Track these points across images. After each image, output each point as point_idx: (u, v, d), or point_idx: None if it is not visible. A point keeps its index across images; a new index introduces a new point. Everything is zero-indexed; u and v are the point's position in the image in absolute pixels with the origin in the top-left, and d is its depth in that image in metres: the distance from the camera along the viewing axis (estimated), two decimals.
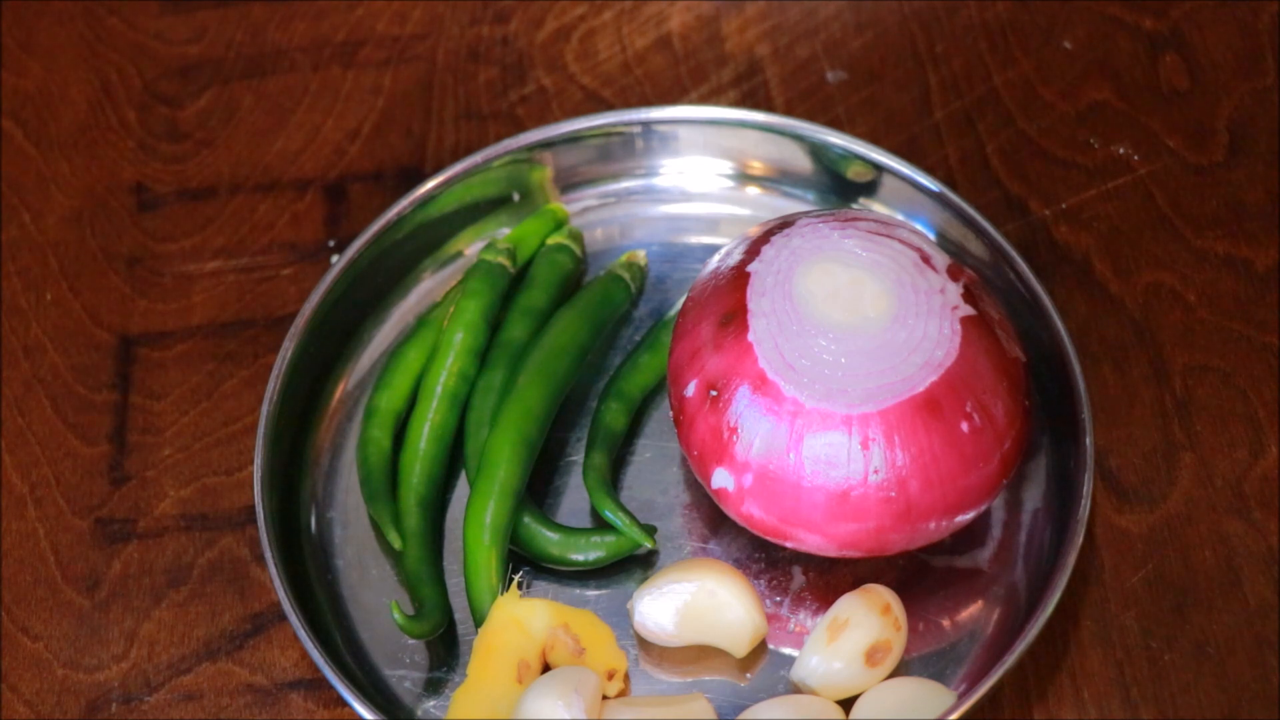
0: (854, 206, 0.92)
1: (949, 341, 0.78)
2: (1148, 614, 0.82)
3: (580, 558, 0.83)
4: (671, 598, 0.80)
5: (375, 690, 0.81)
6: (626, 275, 0.90)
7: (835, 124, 0.96)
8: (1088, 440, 0.82)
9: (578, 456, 0.87)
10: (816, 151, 0.92)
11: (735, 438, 0.78)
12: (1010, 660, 0.77)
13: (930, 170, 0.92)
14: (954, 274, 0.80)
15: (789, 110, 0.97)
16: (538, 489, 0.86)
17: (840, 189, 0.92)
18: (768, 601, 0.83)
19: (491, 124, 0.98)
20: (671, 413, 0.82)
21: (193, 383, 0.91)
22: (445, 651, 0.82)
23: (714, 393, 0.78)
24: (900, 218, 0.89)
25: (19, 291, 0.94)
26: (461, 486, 0.86)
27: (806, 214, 0.83)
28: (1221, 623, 0.82)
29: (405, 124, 0.98)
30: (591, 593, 0.83)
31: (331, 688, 0.79)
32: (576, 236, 0.92)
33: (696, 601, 0.80)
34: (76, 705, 0.83)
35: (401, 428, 0.87)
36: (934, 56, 0.99)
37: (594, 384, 0.89)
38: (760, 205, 0.93)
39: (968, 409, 0.77)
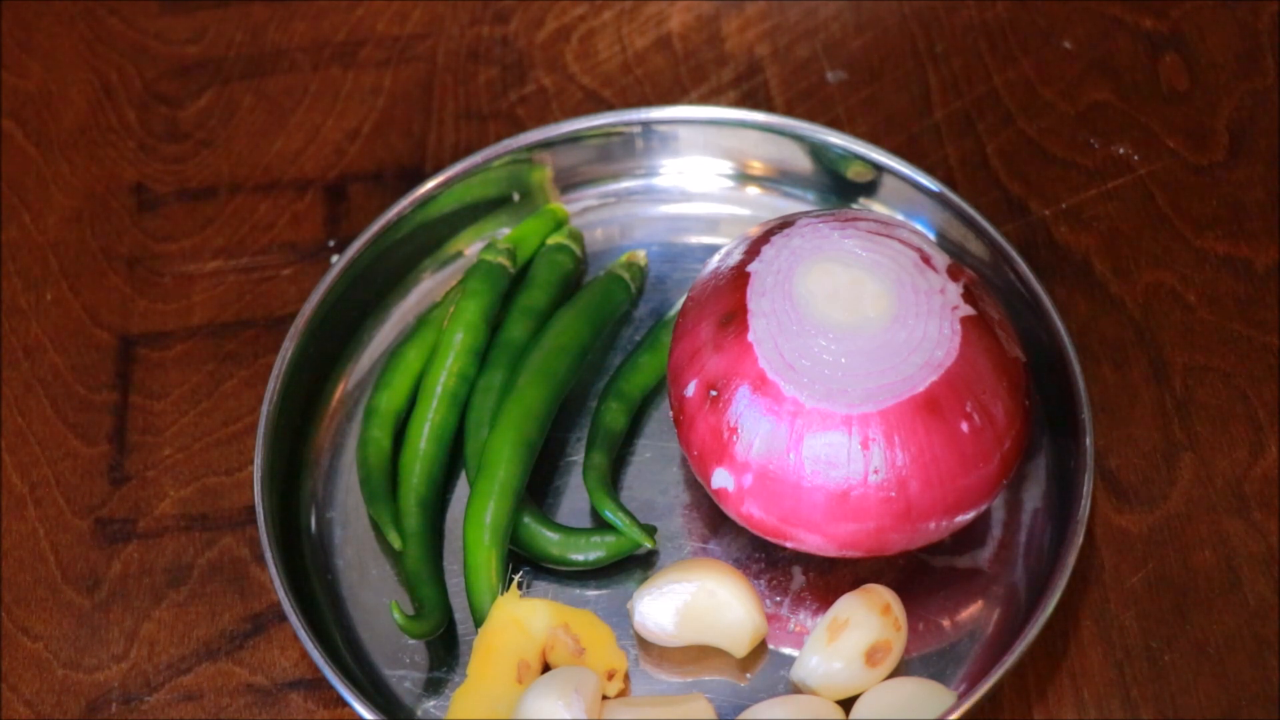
0: (854, 206, 0.92)
1: (949, 341, 0.78)
2: (1148, 614, 0.82)
3: (580, 558, 0.83)
4: (671, 598, 0.80)
5: (375, 690, 0.81)
6: (626, 275, 0.90)
7: (835, 124, 0.96)
8: (1088, 440, 0.82)
9: (578, 456, 0.87)
10: (816, 151, 0.92)
11: (735, 438, 0.78)
12: (1010, 660, 0.77)
13: (930, 170, 0.92)
14: (954, 274, 0.80)
15: (789, 110, 0.97)
16: (538, 489, 0.86)
17: (840, 189, 0.92)
18: (768, 601, 0.83)
19: (491, 124, 0.98)
20: (671, 413, 0.82)
21: (193, 383, 0.91)
22: (445, 651, 0.82)
23: (714, 393, 0.78)
24: (900, 218, 0.89)
25: (19, 291, 0.94)
26: (461, 486, 0.86)
27: (806, 214, 0.83)
28: (1221, 623, 0.82)
29: (405, 124, 0.98)
30: (591, 593, 0.83)
31: (331, 688, 0.79)
32: (576, 236, 0.92)
33: (696, 601, 0.80)
34: (76, 705, 0.83)
35: (401, 428, 0.87)
36: (934, 56, 0.99)
37: (594, 384, 0.89)
38: (760, 205, 0.93)
39: (968, 409, 0.77)
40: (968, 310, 0.79)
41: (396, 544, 0.83)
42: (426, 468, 0.85)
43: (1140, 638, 0.82)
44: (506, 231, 0.93)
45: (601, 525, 0.84)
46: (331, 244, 0.95)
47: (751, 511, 0.79)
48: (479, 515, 0.81)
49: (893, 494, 0.77)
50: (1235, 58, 0.98)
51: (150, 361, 0.92)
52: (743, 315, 0.79)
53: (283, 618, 0.84)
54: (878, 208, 0.91)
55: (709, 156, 0.93)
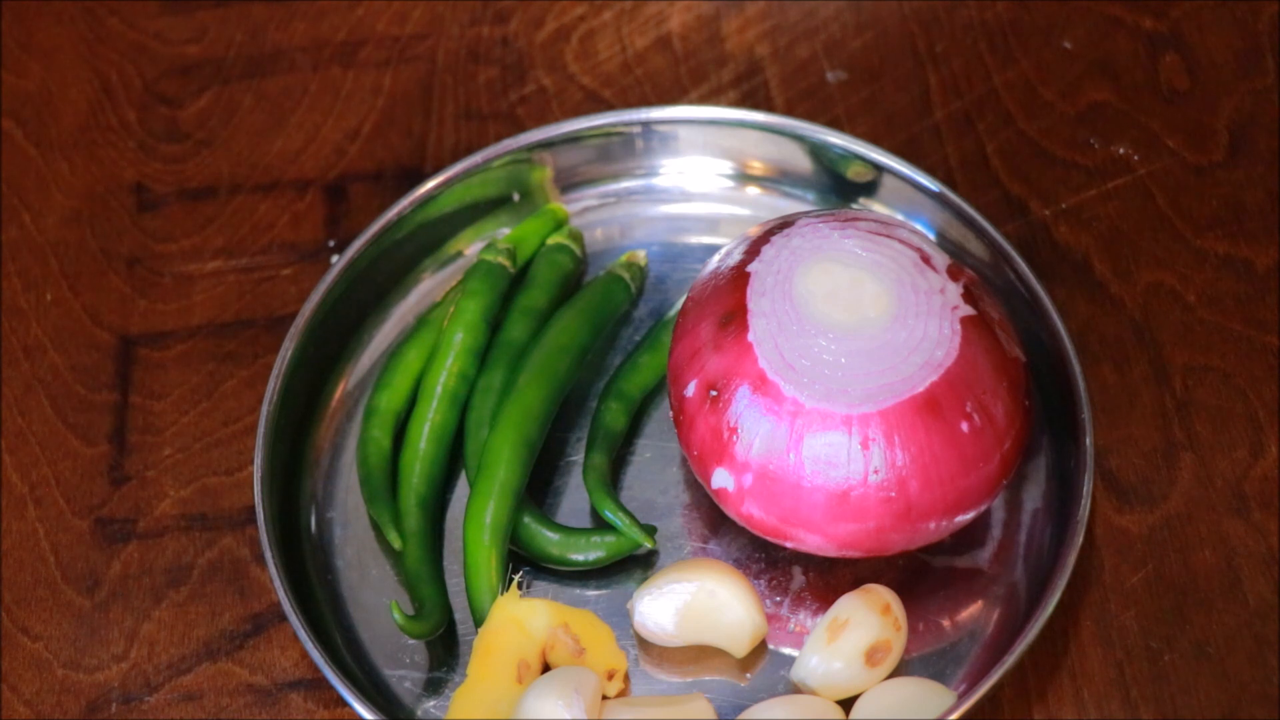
0: (854, 206, 0.92)
1: (949, 341, 0.78)
2: (1148, 614, 0.82)
3: (580, 558, 0.83)
4: (671, 598, 0.80)
5: (375, 690, 0.81)
6: (626, 275, 0.90)
7: (835, 124, 0.96)
8: (1088, 440, 0.82)
9: (578, 456, 0.87)
10: (816, 151, 0.92)
11: (735, 438, 0.78)
12: (1010, 660, 0.77)
13: (930, 170, 0.92)
14: (954, 274, 0.80)
15: (789, 110, 0.97)
16: (538, 489, 0.86)
17: (840, 189, 0.92)
18: (768, 601, 0.83)
19: (491, 124, 0.98)
20: (671, 413, 0.82)
21: (193, 383, 0.91)
22: (445, 651, 0.82)
23: (714, 393, 0.78)
24: (900, 218, 0.89)
25: (19, 291, 0.94)
26: (461, 486, 0.86)
27: (806, 214, 0.83)
28: (1221, 623, 0.82)
29: (405, 124, 0.98)
30: (591, 593, 0.83)
31: (331, 688, 0.79)
32: (576, 236, 0.92)
33: (696, 601, 0.80)
34: (76, 705, 0.83)
35: (401, 428, 0.87)
36: (934, 56, 0.99)
37: (594, 384, 0.89)
38: (760, 205, 0.93)
39: (968, 409, 0.77)
40: (968, 310, 0.79)
41: (396, 544, 0.83)
42: (426, 468, 0.85)
43: (1140, 638, 0.82)
44: (506, 231, 0.93)
45: (601, 525, 0.84)
46: (331, 244, 0.95)
47: (751, 511, 0.79)
48: (479, 515, 0.81)
49: (893, 494, 0.77)
50: (1235, 58, 0.98)
51: (150, 361, 0.92)
52: (743, 315, 0.79)
53: (283, 618, 0.84)
54: (878, 208, 0.91)
55: (709, 156, 0.93)
